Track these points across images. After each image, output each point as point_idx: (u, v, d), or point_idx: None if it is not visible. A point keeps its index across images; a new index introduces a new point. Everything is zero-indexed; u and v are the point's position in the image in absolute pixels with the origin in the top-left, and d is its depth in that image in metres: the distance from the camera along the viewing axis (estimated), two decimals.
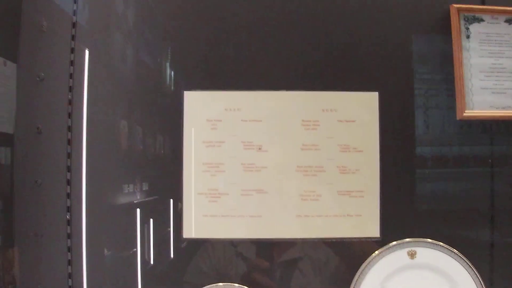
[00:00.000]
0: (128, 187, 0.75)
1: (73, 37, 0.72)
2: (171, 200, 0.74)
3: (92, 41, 0.75)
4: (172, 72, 0.77)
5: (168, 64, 0.77)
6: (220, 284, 0.70)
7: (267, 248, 0.73)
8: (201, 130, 0.71)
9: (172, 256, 0.74)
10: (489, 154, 0.79)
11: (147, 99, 0.76)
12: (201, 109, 0.72)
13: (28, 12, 0.73)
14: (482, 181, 0.78)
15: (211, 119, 0.72)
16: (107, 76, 0.76)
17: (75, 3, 0.73)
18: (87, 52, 0.74)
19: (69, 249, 0.72)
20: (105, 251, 0.75)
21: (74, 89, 0.72)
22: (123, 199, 0.75)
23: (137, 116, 0.76)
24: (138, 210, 0.75)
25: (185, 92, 0.72)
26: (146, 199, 0.76)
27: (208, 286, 0.69)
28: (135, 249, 0.74)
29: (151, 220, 0.75)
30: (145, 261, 0.75)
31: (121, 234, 0.75)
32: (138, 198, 0.76)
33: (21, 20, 0.73)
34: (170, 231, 0.74)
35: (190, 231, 0.71)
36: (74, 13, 0.72)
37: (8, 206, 0.72)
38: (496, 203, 0.77)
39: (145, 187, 0.77)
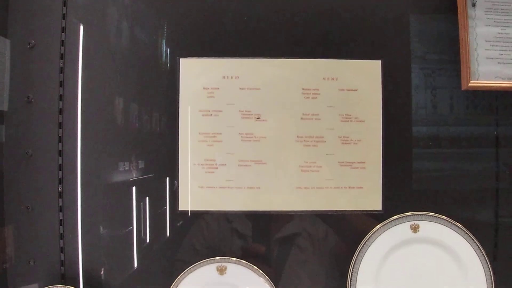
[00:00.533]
0: (124, 164, 0.74)
1: (64, 3, 0.70)
2: (167, 178, 0.72)
3: (84, 7, 0.73)
4: (167, 39, 0.75)
5: (163, 31, 0.75)
6: (217, 257, 0.69)
7: (265, 223, 0.73)
8: (197, 98, 0.71)
9: (168, 234, 0.73)
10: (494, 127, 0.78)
11: (142, 68, 0.74)
12: (198, 77, 0.71)
13: None
14: (487, 155, 0.77)
15: (208, 87, 0.71)
16: (100, 46, 0.74)
17: None
18: (79, 20, 0.72)
19: (61, 222, 0.70)
20: (101, 228, 0.73)
21: (66, 56, 0.71)
22: (119, 176, 0.74)
23: (131, 86, 0.74)
24: (133, 188, 0.74)
25: (180, 59, 0.71)
26: (142, 177, 0.74)
27: (205, 260, 0.68)
28: (131, 227, 0.73)
29: (147, 197, 0.74)
30: (141, 239, 0.73)
31: (117, 211, 0.73)
32: (134, 176, 0.74)
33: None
34: (166, 208, 0.72)
35: (186, 203, 0.70)
36: None
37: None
38: (500, 178, 0.77)
39: (141, 165, 0.75)
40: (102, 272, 0.72)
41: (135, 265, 0.74)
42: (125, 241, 0.73)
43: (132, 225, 0.73)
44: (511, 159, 0.79)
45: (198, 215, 0.71)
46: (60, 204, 0.70)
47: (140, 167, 0.74)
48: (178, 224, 0.72)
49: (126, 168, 0.74)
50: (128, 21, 0.75)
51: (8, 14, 0.72)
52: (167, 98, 0.72)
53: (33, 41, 0.70)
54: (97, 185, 0.73)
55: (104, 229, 0.73)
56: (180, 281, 0.69)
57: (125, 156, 0.73)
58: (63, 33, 0.71)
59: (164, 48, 0.74)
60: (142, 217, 0.74)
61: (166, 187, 0.73)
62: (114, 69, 0.74)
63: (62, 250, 0.70)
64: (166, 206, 0.72)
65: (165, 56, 0.74)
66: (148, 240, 0.74)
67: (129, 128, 0.74)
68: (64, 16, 0.71)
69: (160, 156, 0.73)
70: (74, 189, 0.71)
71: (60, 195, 0.70)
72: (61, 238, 0.70)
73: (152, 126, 0.74)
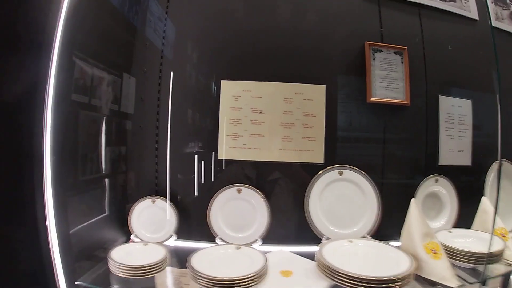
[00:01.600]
0: (191, 143, 1.35)
1: (162, 50, 1.32)
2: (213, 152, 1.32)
3: (172, 52, 1.35)
4: (211, 68, 1.37)
5: (211, 65, 1.37)
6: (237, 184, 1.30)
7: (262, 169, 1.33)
8: (229, 100, 1.31)
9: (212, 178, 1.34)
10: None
11: (200, 89, 1.37)
12: (229, 89, 1.31)
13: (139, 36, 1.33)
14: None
15: (235, 95, 1.31)
16: (179, 77, 1.35)
17: (164, 26, 1.33)
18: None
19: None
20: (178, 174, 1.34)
21: (161, 83, 1.32)
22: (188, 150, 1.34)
23: (194, 100, 1.36)
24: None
25: (222, 81, 1.31)
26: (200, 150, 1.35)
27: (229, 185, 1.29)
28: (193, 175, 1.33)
29: (202, 162, 1.33)
30: (199, 182, 1.33)
31: (188, 165, 1.33)
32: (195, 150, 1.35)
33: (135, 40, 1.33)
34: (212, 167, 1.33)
35: (222, 155, 1.31)
36: (164, 32, 1.32)
37: None
38: (385, 147, 1.39)
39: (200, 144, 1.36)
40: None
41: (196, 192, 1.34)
42: (191, 180, 1.33)
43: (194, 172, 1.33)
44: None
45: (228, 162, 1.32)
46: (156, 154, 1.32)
47: (199, 145, 1.35)
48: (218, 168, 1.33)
49: (193, 146, 1.35)
50: (191, 63, 1.37)
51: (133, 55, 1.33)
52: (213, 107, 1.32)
53: (145, 68, 1.32)
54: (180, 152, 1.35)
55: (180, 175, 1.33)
56: (217, 195, 1.29)
57: (192, 139, 1.35)
58: (160, 66, 1.32)
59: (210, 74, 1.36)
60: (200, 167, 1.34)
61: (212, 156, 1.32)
62: (185, 92, 1.35)
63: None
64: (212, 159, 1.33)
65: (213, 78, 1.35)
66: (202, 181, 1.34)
67: (195, 125, 1.35)
68: (162, 57, 1.32)
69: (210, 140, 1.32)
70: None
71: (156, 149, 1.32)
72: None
73: (206, 124, 1.36)
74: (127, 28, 1.33)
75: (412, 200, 1.12)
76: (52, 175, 0.96)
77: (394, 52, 1.41)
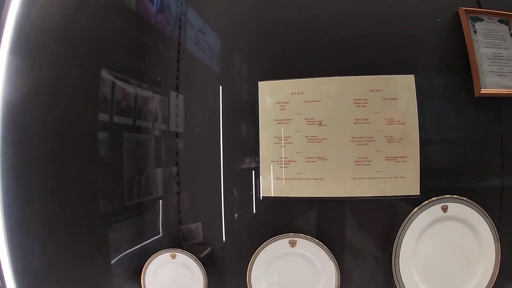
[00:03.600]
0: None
1: (178, 51, 0.95)
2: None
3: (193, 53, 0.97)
4: (250, 69, 0.95)
5: (248, 65, 0.96)
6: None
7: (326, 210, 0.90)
8: (272, 110, 0.88)
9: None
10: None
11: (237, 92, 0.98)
12: (271, 93, 0.88)
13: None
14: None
15: (280, 102, 0.88)
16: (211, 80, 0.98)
17: (180, 29, 0.97)
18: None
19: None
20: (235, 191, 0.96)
21: (179, 89, 0.95)
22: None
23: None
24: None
25: (259, 82, 0.89)
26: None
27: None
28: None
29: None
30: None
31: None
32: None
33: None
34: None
35: (266, 191, 0.89)
36: (179, 35, 0.96)
37: None
38: (505, 164, 0.91)
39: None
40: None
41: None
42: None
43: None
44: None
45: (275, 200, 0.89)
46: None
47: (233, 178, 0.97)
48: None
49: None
50: (227, 64, 0.97)
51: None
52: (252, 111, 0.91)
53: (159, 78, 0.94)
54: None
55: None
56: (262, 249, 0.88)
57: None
58: (177, 71, 0.94)
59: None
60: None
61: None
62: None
63: None
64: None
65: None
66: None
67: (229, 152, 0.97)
68: (178, 60, 0.94)
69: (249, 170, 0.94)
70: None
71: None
72: None
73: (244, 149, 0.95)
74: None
75: None
76: None
77: (498, 21, 0.94)
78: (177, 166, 0.99)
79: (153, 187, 1.01)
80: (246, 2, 0.98)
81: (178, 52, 0.96)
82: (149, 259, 0.94)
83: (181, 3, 1.00)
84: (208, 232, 0.97)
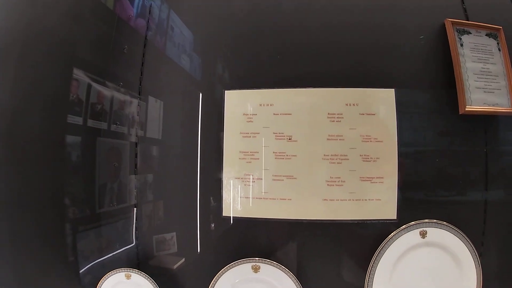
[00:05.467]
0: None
1: (143, 54, 0.87)
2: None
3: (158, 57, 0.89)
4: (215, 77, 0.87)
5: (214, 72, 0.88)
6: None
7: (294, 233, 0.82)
8: (238, 123, 0.80)
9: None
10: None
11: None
12: (238, 104, 0.81)
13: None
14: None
15: (247, 113, 0.81)
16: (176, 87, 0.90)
17: (147, 30, 0.89)
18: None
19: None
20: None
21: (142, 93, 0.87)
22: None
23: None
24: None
25: (225, 91, 0.82)
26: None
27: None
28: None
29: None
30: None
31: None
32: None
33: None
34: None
35: (228, 210, 0.81)
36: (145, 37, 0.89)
37: None
38: (489, 185, 0.85)
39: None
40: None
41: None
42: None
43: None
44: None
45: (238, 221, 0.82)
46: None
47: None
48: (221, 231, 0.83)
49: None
50: (191, 67, 0.89)
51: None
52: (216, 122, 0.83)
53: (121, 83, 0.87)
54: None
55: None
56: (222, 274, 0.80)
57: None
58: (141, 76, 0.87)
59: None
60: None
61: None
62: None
63: None
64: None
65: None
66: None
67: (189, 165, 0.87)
68: (142, 64, 0.87)
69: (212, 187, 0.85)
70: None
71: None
72: None
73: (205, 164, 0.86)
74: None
75: None
76: None
77: (486, 35, 0.89)
78: (151, 174, 0.91)
79: (126, 195, 0.93)
80: (219, 9, 0.91)
81: (143, 55, 0.88)
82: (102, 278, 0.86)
83: (160, 9, 0.93)
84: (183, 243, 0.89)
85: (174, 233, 0.87)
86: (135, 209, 0.88)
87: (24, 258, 0.90)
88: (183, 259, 0.86)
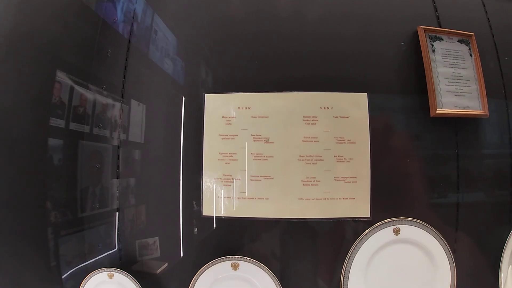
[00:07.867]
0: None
1: (126, 58, 0.89)
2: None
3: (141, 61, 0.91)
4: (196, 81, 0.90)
5: (194, 75, 0.90)
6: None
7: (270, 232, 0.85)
8: (218, 125, 0.83)
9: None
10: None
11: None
12: (217, 106, 0.84)
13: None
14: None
15: (226, 116, 0.83)
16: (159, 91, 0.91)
17: (130, 34, 0.91)
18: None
19: None
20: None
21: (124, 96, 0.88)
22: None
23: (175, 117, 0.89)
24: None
25: (205, 95, 0.84)
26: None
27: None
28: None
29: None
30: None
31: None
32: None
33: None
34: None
35: (208, 210, 0.83)
36: (129, 40, 0.90)
37: None
38: (460, 185, 0.89)
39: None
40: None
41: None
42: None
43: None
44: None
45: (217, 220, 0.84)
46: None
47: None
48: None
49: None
50: (173, 71, 0.91)
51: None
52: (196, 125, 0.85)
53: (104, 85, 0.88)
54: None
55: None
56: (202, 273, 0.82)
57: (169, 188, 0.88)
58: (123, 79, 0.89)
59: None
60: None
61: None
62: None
63: None
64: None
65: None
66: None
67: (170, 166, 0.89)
68: (125, 67, 0.89)
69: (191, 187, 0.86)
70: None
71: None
72: None
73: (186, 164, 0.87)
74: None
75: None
76: None
77: (458, 41, 0.94)
78: (133, 178, 0.92)
79: (108, 199, 0.94)
80: (202, 14, 0.94)
81: (127, 59, 0.90)
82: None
83: (144, 13, 0.96)
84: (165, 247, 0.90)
85: (157, 237, 0.88)
86: (117, 213, 0.88)
87: (4, 262, 0.90)
88: (166, 264, 0.87)
